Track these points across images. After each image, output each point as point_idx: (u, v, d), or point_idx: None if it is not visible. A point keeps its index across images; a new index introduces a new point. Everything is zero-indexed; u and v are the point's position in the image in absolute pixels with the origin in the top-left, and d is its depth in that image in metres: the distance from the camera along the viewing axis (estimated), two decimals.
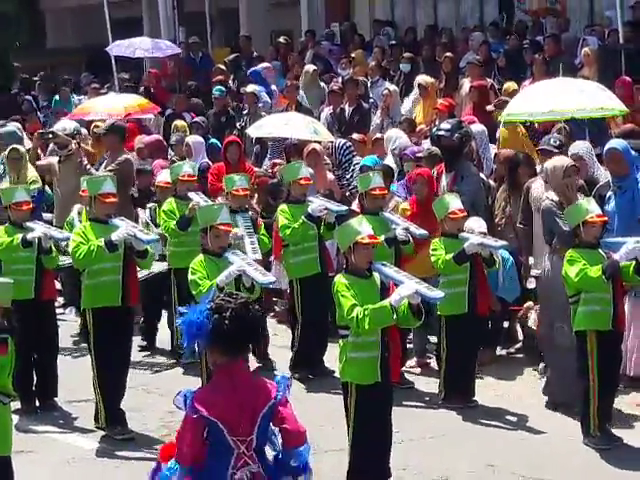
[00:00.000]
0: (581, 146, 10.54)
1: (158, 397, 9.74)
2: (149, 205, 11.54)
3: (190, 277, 8.35)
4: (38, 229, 9.49)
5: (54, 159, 12.79)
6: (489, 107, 13.78)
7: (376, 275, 7.35)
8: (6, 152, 12.99)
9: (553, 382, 9.26)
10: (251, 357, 10.27)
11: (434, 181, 10.34)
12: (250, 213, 10.64)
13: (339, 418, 7.68)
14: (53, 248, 9.56)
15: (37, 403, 9.68)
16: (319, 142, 12.65)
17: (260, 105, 15.67)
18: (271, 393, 5.28)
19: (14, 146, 13.23)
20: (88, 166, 12.24)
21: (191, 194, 10.81)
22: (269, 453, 5.43)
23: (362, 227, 7.35)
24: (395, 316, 7.15)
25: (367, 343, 7.25)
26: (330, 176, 12.09)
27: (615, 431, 8.43)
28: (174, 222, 10.65)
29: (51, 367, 9.73)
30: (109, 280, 8.88)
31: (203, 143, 13.94)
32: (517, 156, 10.91)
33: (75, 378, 9.88)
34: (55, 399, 9.72)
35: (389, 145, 12.69)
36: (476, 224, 9.64)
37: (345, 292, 7.17)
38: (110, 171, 11.69)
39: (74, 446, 8.87)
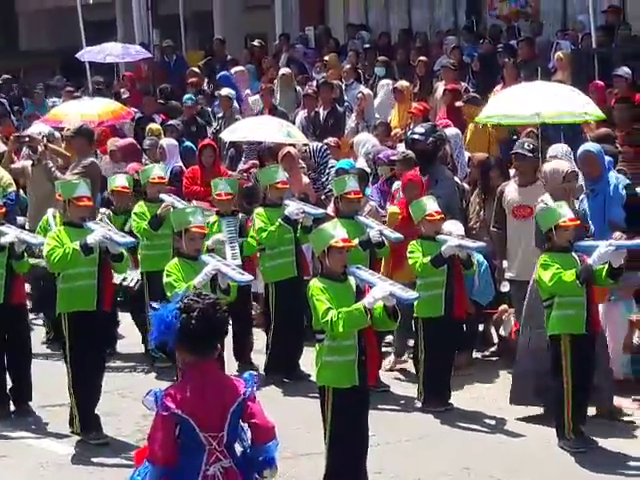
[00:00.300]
0: (559, 149, 10.56)
1: (132, 401, 9.67)
2: (102, 210, 11.43)
3: (165, 279, 8.32)
4: (11, 233, 9.41)
5: (28, 163, 12.72)
6: (458, 103, 13.83)
7: (351, 279, 7.34)
8: None
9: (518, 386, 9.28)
10: (234, 362, 10.44)
11: (424, 185, 10.28)
12: (240, 216, 10.61)
13: (315, 422, 7.66)
14: (25, 253, 9.49)
15: (12, 408, 9.62)
16: (294, 145, 12.67)
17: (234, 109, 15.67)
18: (239, 390, 5.37)
19: None
20: (54, 169, 12.20)
21: (163, 195, 10.82)
22: (237, 449, 5.46)
23: (336, 231, 7.34)
24: (370, 318, 7.14)
25: (343, 347, 7.23)
26: (305, 179, 12.10)
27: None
28: (146, 222, 10.63)
29: (25, 372, 9.65)
30: (84, 284, 8.82)
31: (177, 146, 13.92)
32: (489, 160, 10.97)
33: (48, 382, 9.82)
34: (30, 403, 9.65)
35: (359, 149, 12.72)
36: (454, 227, 9.66)
37: (320, 296, 7.16)
38: (76, 174, 11.69)
39: (48, 451, 8.81)
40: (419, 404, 9.47)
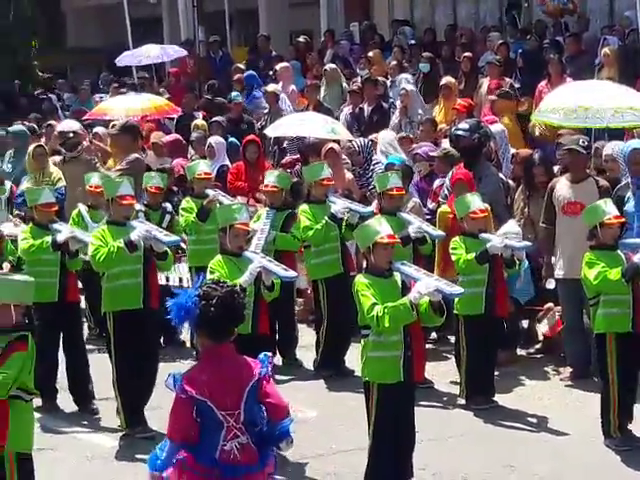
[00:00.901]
0: (613, 147, 10.46)
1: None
2: (137, 207, 11.47)
3: (209, 276, 8.32)
4: (65, 231, 9.50)
5: (57, 158, 12.84)
6: (491, 97, 13.78)
7: (396, 275, 7.34)
8: (31, 149, 13.05)
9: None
10: (279, 358, 10.49)
11: (474, 184, 10.17)
12: (288, 212, 10.60)
13: (359, 417, 7.68)
14: (78, 251, 9.53)
15: (76, 405, 9.67)
16: (337, 142, 12.67)
17: (279, 105, 15.70)
18: (254, 370, 5.62)
19: (39, 143, 13.30)
20: (98, 164, 12.32)
21: (208, 190, 10.87)
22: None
23: (381, 227, 7.35)
24: (416, 314, 7.14)
25: (389, 342, 7.23)
26: (349, 175, 12.08)
27: None
28: (193, 215, 10.68)
29: (84, 368, 9.67)
30: (129, 283, 8.84)
31: (224, 144, 13.96)
32: (533, 156, 10.87)
33: (96, 376, 9.86)
34: (94, 401, 9.64)
35: (381, 146, 12.66)
36: (514, 229, 9.50)
37: (365, 291, 7.17)
38: (120, 170, 11.80)
39: (95, 444, 8.89)
40: (462, 401, 9.45)
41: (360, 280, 7.27)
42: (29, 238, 9.49)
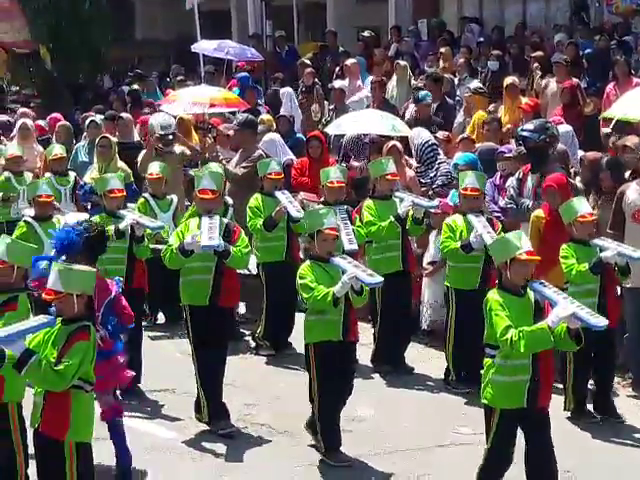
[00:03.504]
0: None
1: (235, 389, 9.80)
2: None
3: (300, 281, 8.14)
4: (128, 216, 9.61)
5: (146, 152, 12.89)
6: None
7: (531, 293, 7.05)
8: (97, 140, 13.16)
9: None
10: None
11: (567, 188, 9.88)
12: (346, 206, 10.56)
13: (418, 416, 7.64)
14: (145, 237, 9.62)
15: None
16: (399, 139, 12.61)
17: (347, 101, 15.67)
18: (112, 288, 7.96)
19: (104, 135, 13.39)
20: (225, 161, 12.46)
21: (277, 193, 10.76)
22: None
23: (522, 242, 7.05)
24: (552, 339, 6.81)
25: (517, 366, 6.95)
26: (410, 173, 12.03)
27: None
28: (261, 221, 10.65)
29: (137, 354, 9.65)
30: (200, 279, 8.87)
31: (275, 140, 13.83)
32: (601, 160, 10.62)
33: (153, 366, 9.95)
34: (139, 385, 9.69)
35: (413, 142, 12.55)
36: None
37: (500, 311, 6.85)
38: (244, 168, 11.93)
39: (153, 435, 8.94)
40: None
41: (494, 298, 6.96)
42: None
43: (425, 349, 11.05)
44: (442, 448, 8.54)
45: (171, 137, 12.87)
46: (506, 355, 6.90)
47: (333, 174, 10.54)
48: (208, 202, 8.99)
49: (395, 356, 10.42)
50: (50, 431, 6.60)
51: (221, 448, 8.63)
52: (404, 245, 10.38)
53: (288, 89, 16.91)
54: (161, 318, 12.20)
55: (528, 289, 7.03)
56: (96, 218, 9.50)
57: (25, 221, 10.35)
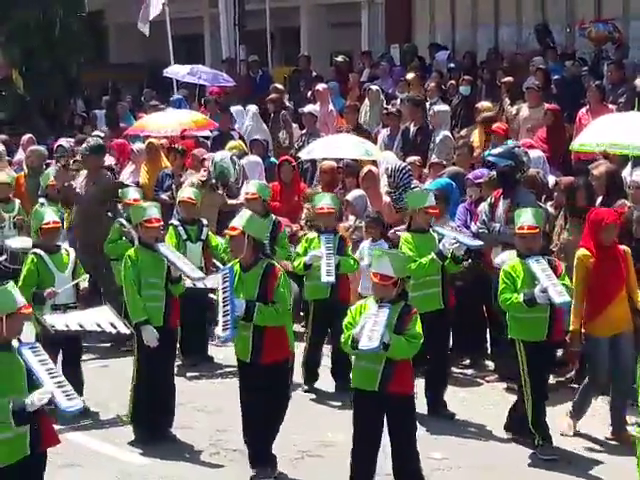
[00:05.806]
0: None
1: (205, 414, 9.76)
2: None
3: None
4: (169, 256, 9.28)
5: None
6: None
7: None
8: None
9: None
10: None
11: (619, 222, 9.46)
12: (339, 234, 10.52)
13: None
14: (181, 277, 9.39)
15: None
16: (375, 164, 12.65)
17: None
18: None
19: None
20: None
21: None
22: None
23: None
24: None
25: None
26: (386, 198, 12.04)
27: None
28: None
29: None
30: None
31: (259, 163, 13.93)
32: (576, 182, 10.67)
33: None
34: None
35: (382, 167, 12.58)
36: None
37: None
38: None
39: (124, 462, 8.86)
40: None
41: None
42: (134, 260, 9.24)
43: None
44: None
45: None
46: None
47: (324, 200, 10.52)
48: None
49: (434, 402, 9.81)
50: None
51: (194, 474, 8.60)
52: (444, 281, 9.87)
53: (252, 107, 16.91)
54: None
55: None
56: (131, 251, 9.35)
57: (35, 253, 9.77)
